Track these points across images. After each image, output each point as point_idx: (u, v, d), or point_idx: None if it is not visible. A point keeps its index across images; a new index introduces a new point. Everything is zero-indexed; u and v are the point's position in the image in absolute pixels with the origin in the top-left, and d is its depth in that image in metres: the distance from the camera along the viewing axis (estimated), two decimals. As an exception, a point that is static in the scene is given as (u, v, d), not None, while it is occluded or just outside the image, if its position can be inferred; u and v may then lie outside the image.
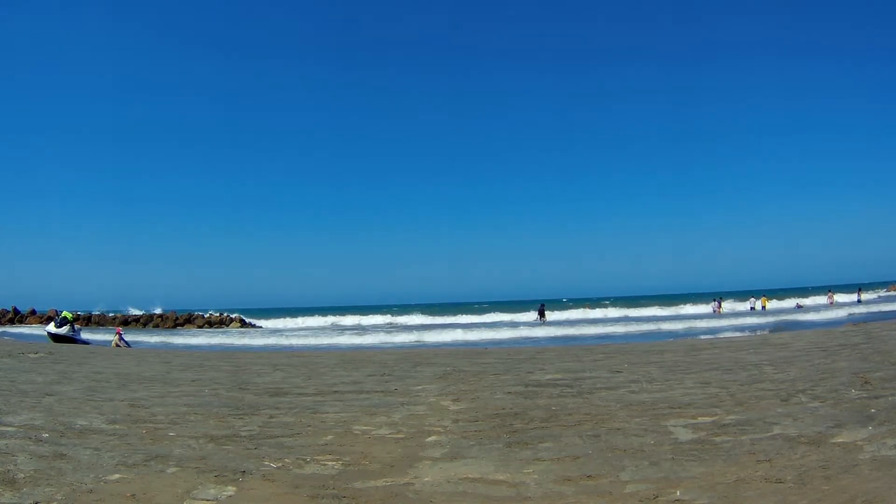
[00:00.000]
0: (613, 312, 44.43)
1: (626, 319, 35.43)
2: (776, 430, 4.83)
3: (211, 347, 23.40)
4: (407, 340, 24.36)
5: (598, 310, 46.55)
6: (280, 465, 4.38)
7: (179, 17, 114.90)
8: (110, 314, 47.50)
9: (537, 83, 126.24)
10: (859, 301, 41.89)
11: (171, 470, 4.18)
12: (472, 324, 37.60)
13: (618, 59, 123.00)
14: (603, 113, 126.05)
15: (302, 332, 33.67)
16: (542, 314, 35.16)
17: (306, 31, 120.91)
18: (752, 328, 21.71)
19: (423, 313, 50.40)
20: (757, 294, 43.36)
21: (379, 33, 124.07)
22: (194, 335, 32.21)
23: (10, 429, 5.40)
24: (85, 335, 23.98)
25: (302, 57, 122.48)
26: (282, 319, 48.54)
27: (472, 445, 4.85)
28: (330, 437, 5.24)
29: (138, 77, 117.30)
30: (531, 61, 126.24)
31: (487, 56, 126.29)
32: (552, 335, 24.48)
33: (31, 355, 13.59)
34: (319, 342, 24.90)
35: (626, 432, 5.03)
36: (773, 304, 42.75)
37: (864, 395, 5.90)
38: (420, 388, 8.10)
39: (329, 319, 48.79)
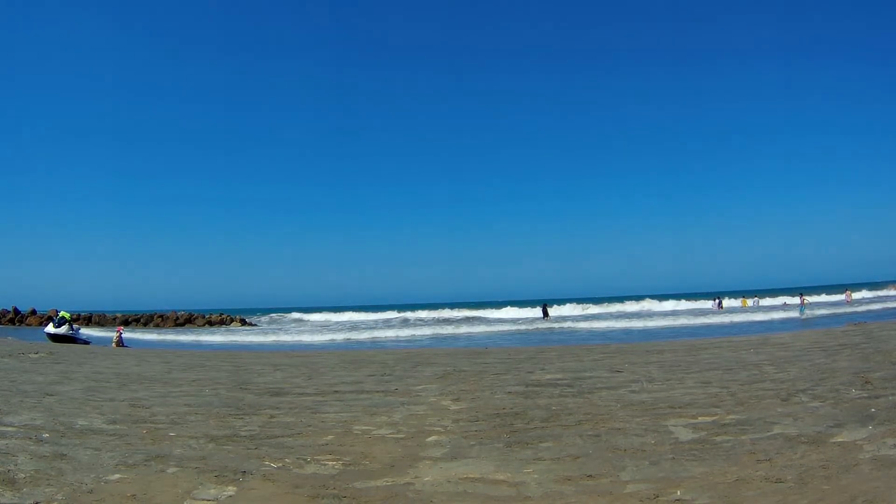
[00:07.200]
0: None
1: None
2: (776, 430, 4.82)
3: (212, 346, 23.36)
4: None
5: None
6: (280, 465, 4.38)
7: (180, 18, 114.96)
8: (110, 314, 47.53)
9: (540, 85, 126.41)
10: None
11: (171, 470, 4.18)
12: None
13: (618, 60, 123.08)
14: (605, 114, 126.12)
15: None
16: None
17: (307, 32, 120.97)
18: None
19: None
20: (761, 293, 43.36)
21: (380, 34, 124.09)
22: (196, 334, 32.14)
23: (10, 429, 5.41)
24: (84, 334, 24.02)
25: (302, 57, 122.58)
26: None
27: (473, 445, 4.84)
28: (330, 437, 5.24)
29: (137, 78, 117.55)
30: (533, 63, 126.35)
31: (489, 58, 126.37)
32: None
33: (32, 355, 13.61)
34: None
35: (627, 432, 5.03)
36: (766, 302, 42.66)
37: (865, 395, 5.89)
38: (420, 388, 8.10)
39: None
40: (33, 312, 44.81)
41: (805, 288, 59.04)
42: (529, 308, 44.97)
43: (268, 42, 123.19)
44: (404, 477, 4.05)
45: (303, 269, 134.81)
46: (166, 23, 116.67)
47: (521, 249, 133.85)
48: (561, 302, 53.98)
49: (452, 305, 61.76)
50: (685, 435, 4.87)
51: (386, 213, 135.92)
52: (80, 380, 9.43)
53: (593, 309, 47.70)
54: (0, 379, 9.27)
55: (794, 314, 27.65)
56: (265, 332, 33.22)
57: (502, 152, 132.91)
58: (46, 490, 3.68)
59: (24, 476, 3.92)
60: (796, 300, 35.12)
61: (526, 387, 7.73)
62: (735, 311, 36.28)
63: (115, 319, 43.28)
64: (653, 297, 55.54)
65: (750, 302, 43.24)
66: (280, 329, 37.49)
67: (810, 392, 6.30)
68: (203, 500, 3.61)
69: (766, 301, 43.48)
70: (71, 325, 22.10)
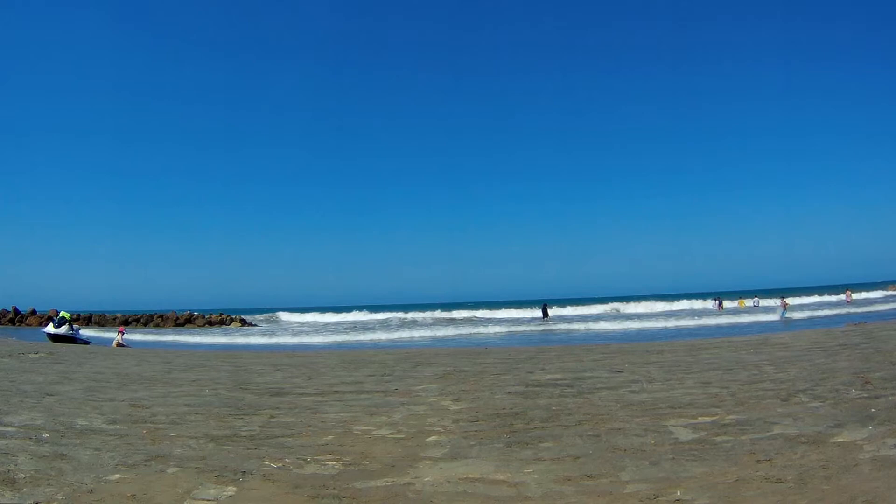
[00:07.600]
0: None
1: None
2: (776, 430, 4.82)
3: (212, 346, 23.34)
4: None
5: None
6: (280, 465, 4.38)
7: (180, 18, 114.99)
8: (110, 314, 47.51)
9: (540, 85, 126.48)
10: None
11: (171, 470, 4.18)
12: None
13: (618, 60, 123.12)
14: (605, 114, 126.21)
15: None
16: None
17: (307, 32, 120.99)
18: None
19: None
20: (760, 294, 43.41)
21: (380, 34, 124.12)
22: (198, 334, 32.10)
23: (10, 429, 5.40)
24: (84, 334, 24.01)
25: (302, 57, 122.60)
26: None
27: (473, 445, 4.84)
28: (330, 437, 5.24)
29: (137, 78, 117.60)
30: (533, 63, 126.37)
31: (489, 58, 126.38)
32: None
33: (32, 355, 13.61)
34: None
35: (627, 432, 5.03)
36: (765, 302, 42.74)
37: (865, 395, 5.89)
38: (420, 388, 8.09)
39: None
40: (33, 312, 44.73)
41: (805, 288, 59.01)
42: (529, 308, 45.04)
43: (268, 42, 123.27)
44: (404, 477, 4.05)
45: (303, 269, 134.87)
46: (166, 23, 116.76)
47: (521, 249, 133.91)
48: (561, 302, 53.97)
49: (452, 305, 61.80)
50: (685, 435, 4.86)
51: (386, 213, 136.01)
52: (80, 380, 9.43)
53: (593, 309, 47.67)
54: (0, 379, 9.27)
55: (790, 315, 27.66)
56: (265, 333, 33.20)
57: (502, 152, 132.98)
58: (46, 490, 3.68)
59: (24, 476, 3.92)
60: (798, 301, 35.20)
61: (526, 387, 7.73)
62: (736, 311, 36.29)
63: (115, 319, 43.21)
64: (653, 297, 55.54)
65: (749, 302, 43.36)
66: (280, 329, 37.52)
67: (810, 392, 6.30)
68: (203, 500, 3.60)
69: (768, 301, 43.51)
70: (71, 325, 22.10)
